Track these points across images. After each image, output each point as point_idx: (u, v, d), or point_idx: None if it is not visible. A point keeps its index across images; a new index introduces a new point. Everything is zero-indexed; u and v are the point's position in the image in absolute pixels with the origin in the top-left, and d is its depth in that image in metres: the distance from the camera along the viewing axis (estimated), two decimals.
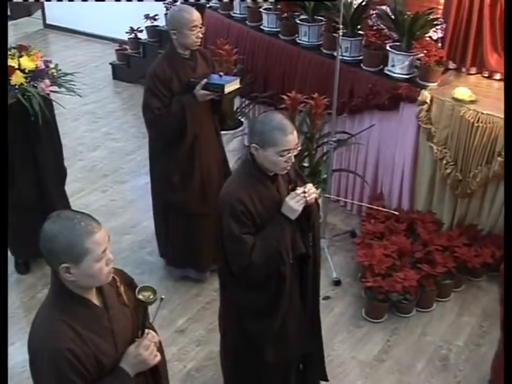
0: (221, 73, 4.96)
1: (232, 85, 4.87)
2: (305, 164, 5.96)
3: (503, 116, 5.11)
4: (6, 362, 2.40)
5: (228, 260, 3.44)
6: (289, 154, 3.30)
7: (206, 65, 5.03)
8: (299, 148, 3.44)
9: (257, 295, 3.52)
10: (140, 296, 2.61)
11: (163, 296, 2.71)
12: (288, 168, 3.40)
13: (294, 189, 3.41)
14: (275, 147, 3.25)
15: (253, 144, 3.32)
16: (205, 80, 4.76)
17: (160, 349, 2.78)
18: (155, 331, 2.77)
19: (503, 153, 5.14)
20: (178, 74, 4.80)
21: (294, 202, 3.35)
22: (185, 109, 4.76)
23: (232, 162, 5.78)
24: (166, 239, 5.42)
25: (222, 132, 5.42)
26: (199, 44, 4.86)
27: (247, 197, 3.32)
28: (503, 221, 5.31)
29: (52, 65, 5.11)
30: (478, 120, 5.20)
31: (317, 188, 5.53)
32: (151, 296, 2.63)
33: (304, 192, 3.36)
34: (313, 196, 3.42)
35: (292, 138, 3.28)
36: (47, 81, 4.92)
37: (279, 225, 3.36)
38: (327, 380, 4.22)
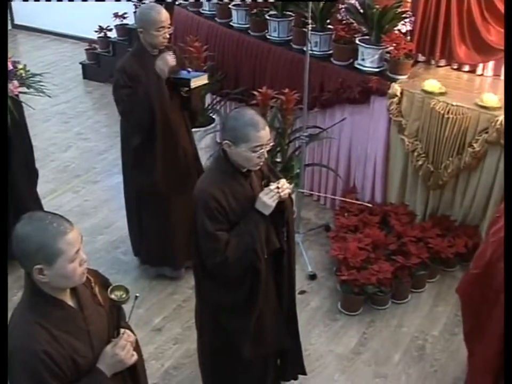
0: (189, 70, 4.95)
1: (199, 80, 4.86)
2: (278, 159, 5.97)
3: (472, 107, 5.18)
4: (6, 361, 2.37)
5: (203, 257, 3.44)
6: (262, 150, 3.30)
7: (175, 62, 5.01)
8: (271, 143, 3.44)
9: (233, 292, 3.51)
10: (112, 296, 2.60)
11: (138, 295, 2.71)
12: (261, 163, 3.40)
13: (267, 185, 3.42)
14: (247, 143, 3.25)
15: (225, 141, 3.32)
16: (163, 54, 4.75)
17: (137, 348, 2.77)
18: (131, 330, 2.76)
19: (473, 144, 5.20)
20: (146, 72, 4.77)
21: (268, 198, 3.35)
22: (149, 90, 4.73)
23: (205, 159, 5.77)
24: (140, 237, 5.41)
25: (194, 129, 5.40)
26: (166, 43, 4.84)
27: (221, 193, 3.31)
28: (475, 211, 5.41)
29: (20, 66, 5.07)
30: (448, 112, 5.23)
31: (290, 183, 5.55)
32: (124, 295, 2.61)
33: (278, 187, 3.37)
34: (287, 191, 3.43)
35: (264, 134, 3.29)
36: (16, 82, 4.89)
37: (253, 221, 3.36)
38: (305, 374, 4.24)
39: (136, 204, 5.28)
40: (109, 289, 2.62)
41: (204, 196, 3.33)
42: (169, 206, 5.12)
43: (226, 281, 3.48)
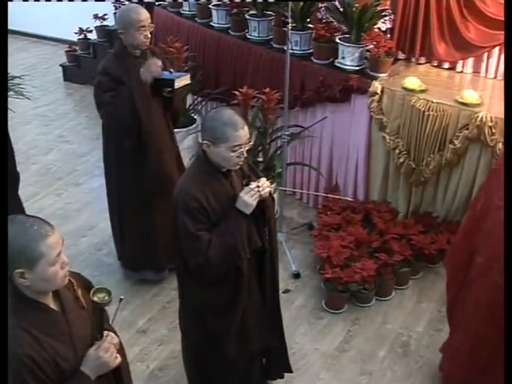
0: (171, 70, 4.94)
1: (182, 80, 4.85)
2: (260, 159, 5.98)
3: (453, 104, 5.21)
4: (6, 362, 2.36)
5: (185, 257, 3.44)
6: (241, 150, 3.31)
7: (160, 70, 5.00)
8: (251, 143, 3.45)
9: (216, 292, 3.52)
10: (95, 298, 2.60)
11: (122, 297, 2.71)
12: (241, 163, 3.41)
13: (247, 184, 3.43)
14: (226, 143, 3.26)
15: (205, 141, 3.33)
16: (149, 61, 4.73)
17: (121, 350, 2.77)
18: (115, 332, 2.75)
19: (454, 141, 5.22)
20: (128, 73, 4.75)
21: (248, 197, 3.36)
22: (133, 93, 4.70)
23: (187, 159, 5.77)
24: (123, 242, 5.39)
25: (176, 130, 5.39)
26: (147, 43, 4.82)
27: (201, 193, 3.31)
28: (457, 207, 5.43)
29: None
30: (428, 109, 5.25)
31: (272, 183, 5.56)
32: (106, 298, 2.61)
33: (258, 186, 3.38)
34: (267, 189, 3.44)
35: (243, 133, 3.30)
36: None
37: (235, 221, 3.36)
38: (291, 372, 4.25)
39: (118, 207, 5.26)
40: (92, 292, 2.62)
41: (184, 197, 3.33)
42: (151, 208, 5.10)
43: (209, 281, 3.47)
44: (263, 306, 3.76)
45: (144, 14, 4.71)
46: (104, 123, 4.99)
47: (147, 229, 5.18)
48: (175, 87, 4.79)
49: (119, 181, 5.08)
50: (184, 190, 3.37)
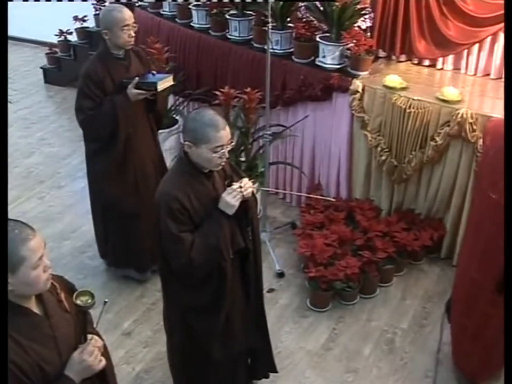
0: (154, 72, 4.93)
1: (165, 82, 4.84)
2: (242, 159, 5.98)
3: (433, 101, 5.23)
4: (6, 362, 2.34)
5: (168, 259, 3.43)
6: (223, 150, 3.31)
7: (141, 64, 4.99)
8: (233, 143, 3.45)
9: (199, 293, 3.51)
10: (78, 302, 2.58)
11: (106, 300, 2.70)
12: (223, 164, 3.41)
13: (230, 185, 3.43)
14: (208, 144, 3.26)
15: (186, 142, 3.33)
16: (137, 79, 4.71)
17: (105, 353, 2.76)
18: (99, 335, 2.74)
19: (435, 138, 5.24)
20: (111, 75, 4.75)
21: (231, 198, 3.36)
22: (117, 108, 4.72)
23: (169, 160, 5.75)
24: (106, 240, 5.38)
25: (159, 130, 5.38)
26: (132, 42, 4.81)
27: (183, 195, 3.31)
28: (439, 203, 5.46)
29: None
30: (409, 106, 5.27)
31: (253, 182, 5.55)
32: (89, 301, 2.60)
33: (240, 187, 3.38)
34: (250, 190, 3.44)
35: (225, 134, 3.29)
36: None
37: (217, 222, 3.36)
38: (276, 372, 4.25)
39: (102, 208, 5.25)
40: (74, 295, 2.61)
41: (166, 198, 3.33)
42: (134, 210, 5.10)
43: (192, 282, 3.48)
44: (247, 306, 3.76)
45: (128, 13, 4.71)
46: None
47: (130, 231, 5.18)
48: (158, 90, 4.78)
49: (101, 186, 5.07)
50: (166, 191, 3.37)
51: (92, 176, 5.18)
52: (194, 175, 3.40)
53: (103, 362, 2.64)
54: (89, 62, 4.85)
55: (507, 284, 3.30)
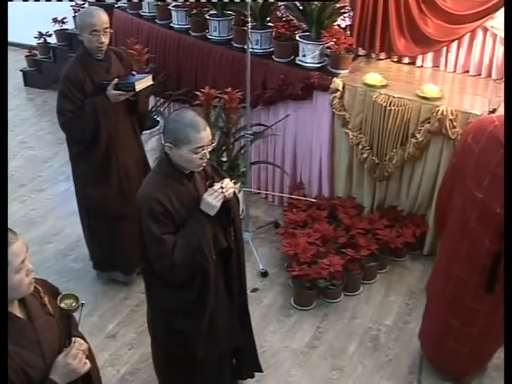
0: (134, 73, 4.91)
1: (143, 82, 4.80)
2: (224, 159, 5.98)
3: (414, 98, 5.26)
4: (6, 362, 2.33)
5: (150, 260, 3.43)
6: (204, 151, 3.30)
7: (122, 65, 4.94)
8: (214, 144, 3.45)
9: (183, 294, 3.50)
10: (62, 305, 2.58)
11: (83, 302, 2.69)
12: (204, 165, 3.41)
13: (211, 185, 3.42)
14: (189, 145, 3.25)
15: (167, 143, 3.32)
16: (116, 80, 4.69)
17: (90, 356, 2.75)
18: (84, 338, 2.74)
19: (416, 135, 5.27)
20: (91, 76, 4.72)
21: (212, 199, 3.35)
22: (98, 110, 4.69)
23: (151, 161, 5.74)
24: (91, 242, 5.36)
25: None
26: (102, 48, 4.72)
27: (165, 196, 3.31)
28: (421, 200, 5.49)
29: None
30: (390, 104, 5.29)
31: (236, 182, 5.54)
32: (74, 304, 2.60)
33: (222, 187, 3.37)
34: (231, 190, 3.43)
35: (205, 135, 3.29)
36: None
37: (199, 222, 3.36)
38: (261, 371, 4.26)
39: (86, 212, 5.23)
40: (59, 298, 2.61)
41: (148, 200, 3.32)
42: (119, 212, 5.07)
43: (175, 283, 3.47)
44: (231, 306, 3.76)
45: (99, 18, 4.61)
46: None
47: (115, 233, 5.16)
48: (137, 90, 4.76)
49: (85, 188, 5.05)
50: (147, 193, 3.36)
51: (75, 179, 5.15)
52: (175, 176, 3.39)
53: (88, 365, 2.64)
54: (69, 64, 4.81)
55: (507, 284, 3.32)
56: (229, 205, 3.48)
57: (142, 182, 3.54)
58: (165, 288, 3.51)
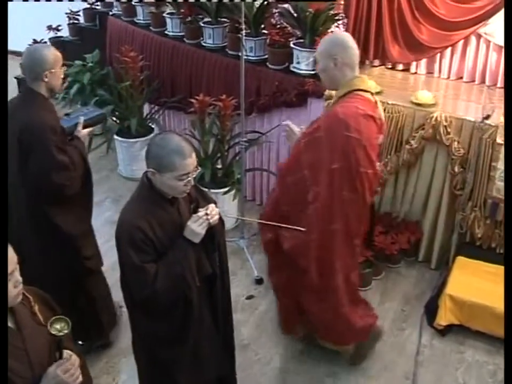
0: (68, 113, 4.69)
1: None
2: (218, 166, 5.98)
3: (408, 105, 5.27)
4: (6, 361, 2.32)
5: (131, 289, 3.30)
6: (189, 178, 3.16)
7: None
8: (198, 170, 3.31)
9: (165, 322, 3.34)
10: (53, 331, 2.55)
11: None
12: (188, 191, 3.27)
13: (195, 209, 3.29)
14: (173, 172, 3.10)
15: (150, 169, 3.17)
16: (82, 118, 4.48)
17: (84, 369, 2.75)
18: (76, 350, 2.72)
19: (410, 141, 5.28)
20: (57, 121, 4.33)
21: (197, 226, 3.20)
22: (83, 154, 4.37)
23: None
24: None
25: (134, 139, 5.28)
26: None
27: (146, 223, 3.14)
28: (416, 206, 5.48)
29: None
30: (384, 111, 5.27)
31: (231, 189, 5.54)
32: (65, 328, 2.56)
33: (207, 214, 3.23)
34: (216, 217, 3.29)
35: (191, 162, 3.14)
36: None
37: (182, 250, 3.20)
38: None
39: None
40: (49, 322, 2.57)
41: (128, 228, 3.16)
42: (84, 286, 4.64)
43: (157, 312, 3.31)
44: (216, 333, 3.61)
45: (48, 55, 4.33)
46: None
47: (86, 306, 4.71)
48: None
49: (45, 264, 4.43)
50: (127, 220, 3.20)
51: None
52: (157, 202, 3.24)
53: (79, 379, 2.62)
54: (42, 112, 4.31)
55: (507, 283, 3.32)
56: (213, 230, 3.33)
57: (121, 209, 3.35)
58: (146, 316, 3.35)
